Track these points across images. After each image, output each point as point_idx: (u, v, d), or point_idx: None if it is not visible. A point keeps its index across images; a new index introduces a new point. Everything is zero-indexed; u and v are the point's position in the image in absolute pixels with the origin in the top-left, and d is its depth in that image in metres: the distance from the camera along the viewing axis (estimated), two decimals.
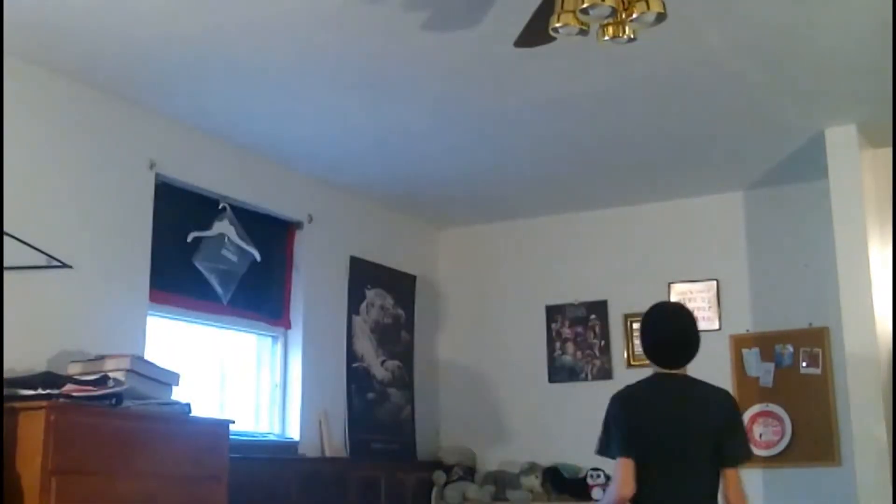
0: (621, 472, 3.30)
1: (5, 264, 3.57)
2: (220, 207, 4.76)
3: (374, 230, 5.87)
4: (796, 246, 5.42)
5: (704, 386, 3.45)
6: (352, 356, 5.51)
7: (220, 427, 3.91)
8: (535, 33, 3.06)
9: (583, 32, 2.80)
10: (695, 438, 3.33)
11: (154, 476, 3.48)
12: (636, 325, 5.79)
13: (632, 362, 5.80)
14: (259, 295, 5.03)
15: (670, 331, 3.49)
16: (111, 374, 3.51)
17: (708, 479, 3.31)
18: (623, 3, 2.72)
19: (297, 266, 5.27)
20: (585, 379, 5.91)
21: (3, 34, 3.52)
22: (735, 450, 3.35)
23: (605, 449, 3.42)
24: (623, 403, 3.46)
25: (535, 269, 6.16)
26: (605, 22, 2.77)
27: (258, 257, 4.92)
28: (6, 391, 3.26)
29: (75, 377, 3.49)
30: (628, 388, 3.54)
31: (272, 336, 5.18)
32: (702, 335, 5.73)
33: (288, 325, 5.20)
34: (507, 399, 6.06)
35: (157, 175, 4.38)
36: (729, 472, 3.31)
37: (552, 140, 4.88)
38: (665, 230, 5.85)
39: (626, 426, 3.36)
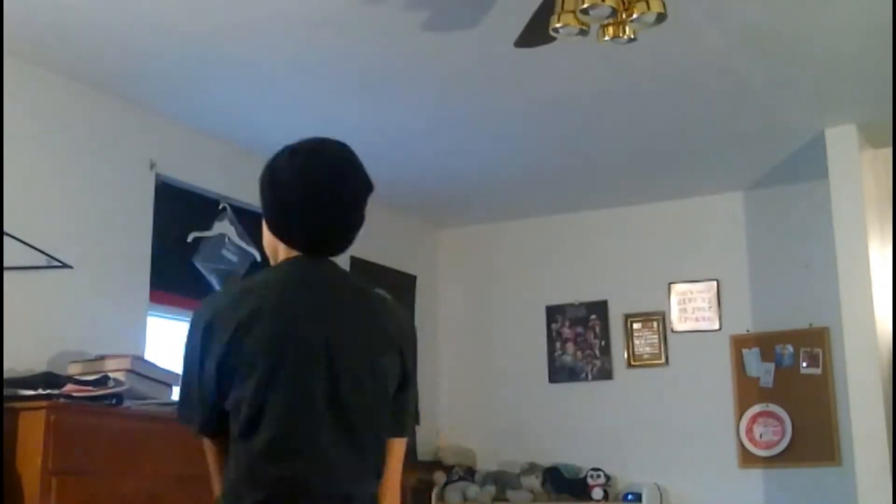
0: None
1: (5, 264, 3.57)
2: (220, 207, 4.76)
3: (374, 230, 5.82)
4: (796, 246, 5.43)
5: (364, 284, 2.04)
6: None
7: None
8: (535, 33, 3.06)
9: (583, 32, 2.81)
10: (361, 376, 1.88)
11: (154, 476, 3.48)
12: (636, 325, 5.80)
13: (632, 362, 5.80)
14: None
15: (333, 188, 1.90)
16: (111, 375, 3.51)
17: (372, 452, 1.89)
18: (623, 3, 2.72)
19: None
20: (585, 379, 5.91)
21: (3, 34, 3.52)
22: (407, 404, 1.99)
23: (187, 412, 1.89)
24: (220, 318, 1.84)
25: (535, 269, 6.16)
26: (606, 22, 2.77)
27: (258, 257, 4.91)
28: (6, 391, 3.26)
29: (75, 377, 3.49)
30: (236, 286, 1.96)
31: None
32: (702, 335, 5.87)
33: None
34: (507, 399, 6.06)
35: (157, 175, 4.38)
36: (395, 444, 1.96)
37: (552, 140, 4.87)
38: (665, 230, 5.85)
39: (222, 360, 1.81)
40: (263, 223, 1.98)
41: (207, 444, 1.89)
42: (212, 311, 1.86)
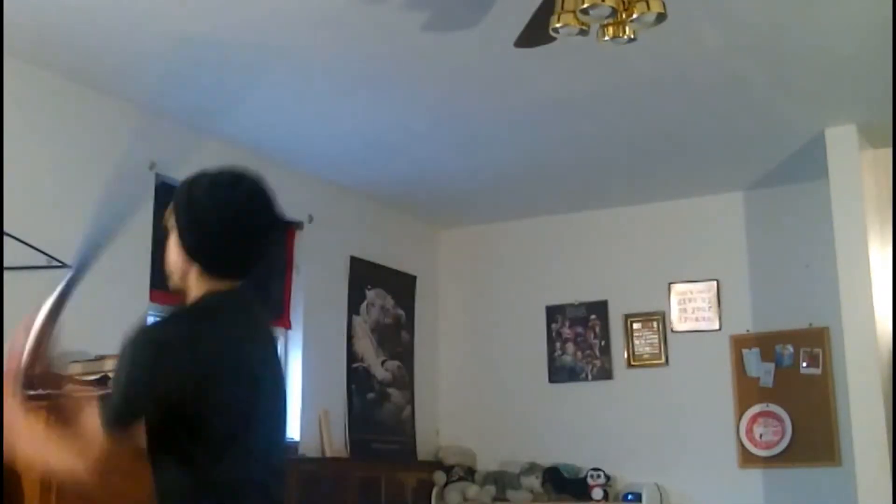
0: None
1: (5, 264, 3.57)
2: None
3: (374, 230, 5.87)
4: (796, 246, 5.42)
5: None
6: (352, 356, 5.51)
7: None
8: (535, 33, 3.06)
9: (583, 32, 2.81)
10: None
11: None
12: (636, 325, 5.80)
13: (632, 362, 5.80)
14: (259, 295, 5.01)
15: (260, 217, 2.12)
16: (111, 375, 3.51)
17: None
18: (623, 3, 2.72)
19: (297, 266, 5.27)
20: (585, 379, 5.91)
21: (3, 34, 3.52)
22: None
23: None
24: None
25: (535, 269, 6.16)
26: (605, 22, 2.77)
27: None
28: None
29: (75, 377, 3.49)
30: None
31: None
32: (702, 335, 5.85)
33: (288, 325, 5.20)
34: (507, 399, 6.06)
35: (157, 175, 4.38)
36: None
37: (552, 140, 4.87)
38: (665, 230, 5.84)
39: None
40: (174, 244, 2.09)
41: None
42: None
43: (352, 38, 3.72)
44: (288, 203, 5.70)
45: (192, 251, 2.05)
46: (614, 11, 2.69)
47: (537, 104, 4.38)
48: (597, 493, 5.46)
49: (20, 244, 3.66)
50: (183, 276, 2.09)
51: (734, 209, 5.68)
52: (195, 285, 2.07)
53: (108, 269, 4.08)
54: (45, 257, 3.77)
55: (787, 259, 5.46)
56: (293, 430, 5.06)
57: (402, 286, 6.02)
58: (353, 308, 5.57)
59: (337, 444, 5.25)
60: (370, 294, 5.73)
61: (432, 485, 5.79)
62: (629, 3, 2.73)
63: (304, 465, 4.94)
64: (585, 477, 5.56)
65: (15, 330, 2.14)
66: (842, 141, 4.70)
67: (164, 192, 4.44)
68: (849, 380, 4.60)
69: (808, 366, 5.35)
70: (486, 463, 5.95)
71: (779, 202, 5.54)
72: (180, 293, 2.12)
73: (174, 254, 2.10)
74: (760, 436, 5.36)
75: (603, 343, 5.89)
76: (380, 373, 5.72)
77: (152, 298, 4.33)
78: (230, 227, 2.03)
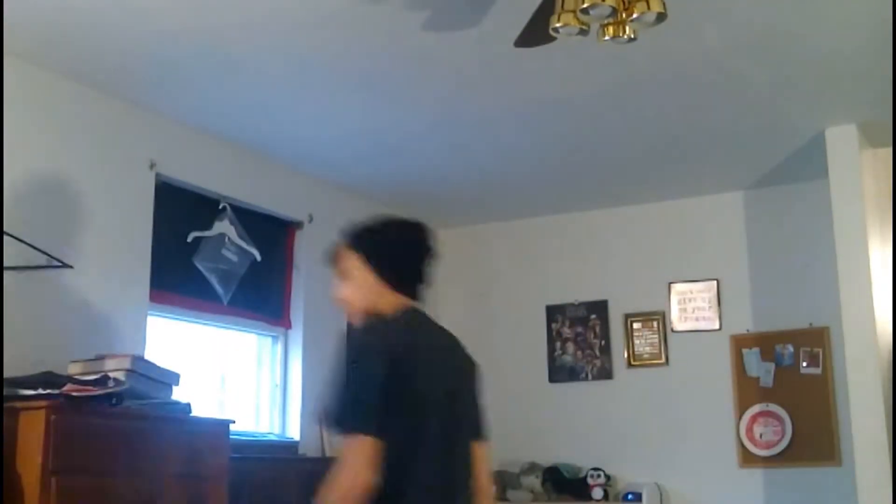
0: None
1: (5, 264, 3.57)
2: (220, 207, 4.76)
3: None
4: (796, 246, 5.43)
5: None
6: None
7: (220, 427, 3.90)
8: (535, 33, 3.06)
9: (583, 32, 2.80)
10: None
11: (154, 476, 3.48)
12: (636, 325, 5.80)
13: (632, 362, 5.80)
14: (259, 295, 5.03)
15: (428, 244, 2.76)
16: (111, 374, 3.51)
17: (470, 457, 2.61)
18: (623, 3, 2.72)
19: (297, 266, 5.27)
20: (585, 379, 5.91)
21: (3, 34, 3.52)
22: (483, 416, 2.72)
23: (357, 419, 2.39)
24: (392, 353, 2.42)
25: (535, 269, 6.16)
26: (606, 22, 2.76)
27: (258, 257, 4.92)
28: (6, 391, 3.26)
29: (75, 377, 3.49)
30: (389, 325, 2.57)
31: (272, 336, 5.18)
32: (702, 335, 5.82)
33: (288, 325, 5.20)
34: (507, 399, 6.04)
35: (157, 175, 4.38)
36: (485, 448, 2.68)
37: (552, 140, 4.88)
38: (665, 230, 5.85)
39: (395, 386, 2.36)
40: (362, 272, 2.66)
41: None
42: None
43: (352, 38, 3.72)
44: (288, 203, 5.76)
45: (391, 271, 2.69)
46: (614, 11, 2.69)
47: (537, 104, 4.38)
48: (597, 493, 5.46)
49: (20, 244, 3.66)
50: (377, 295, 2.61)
51: (734, 209, 5.68)
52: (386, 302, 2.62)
53: (108, 269, 4.10)
54: (46, 257, 3.77)
55: (786, 259, 5.46)
56: (293, 430, 5.07)
57: None
58: None
59: (337, 444, 5.24)
60: None
61: None
62: (629, 2, 2.72)
63: (305, 465, 4.94)
64: (585, 477, 5.56)
65: None
66: (842, 141, 4.70)
67: (164, 192, 4.45)
68: (849, 380, 4.60)
69: (808, 366, 5.35)
70: None
71: (779, 202, 5.55)
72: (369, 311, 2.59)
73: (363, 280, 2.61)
74: (760, 435, 5.36)
75: (603, 343, 5.90)
76: None
77: (152, 298, 4.33)
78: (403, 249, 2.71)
